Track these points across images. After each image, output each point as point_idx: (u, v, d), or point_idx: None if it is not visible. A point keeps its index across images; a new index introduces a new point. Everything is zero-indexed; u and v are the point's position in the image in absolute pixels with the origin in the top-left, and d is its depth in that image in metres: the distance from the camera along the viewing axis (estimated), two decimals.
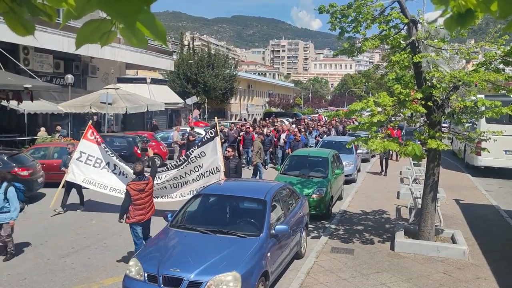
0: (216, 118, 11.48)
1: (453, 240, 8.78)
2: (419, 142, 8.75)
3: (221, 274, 5.46)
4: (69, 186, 11.36)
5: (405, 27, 8.55)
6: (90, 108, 21.12)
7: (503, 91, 8.53)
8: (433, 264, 7.85)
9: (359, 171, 17.82)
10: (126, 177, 10.63)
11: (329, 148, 14.76)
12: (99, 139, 11.21)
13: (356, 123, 11.77)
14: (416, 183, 13.85)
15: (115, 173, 11.09)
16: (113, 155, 11.09)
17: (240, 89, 51.80)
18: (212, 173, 10.45)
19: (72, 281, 7.07)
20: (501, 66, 8.13)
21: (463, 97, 9.16)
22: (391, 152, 15.48)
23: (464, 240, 8.62)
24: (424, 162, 9.23)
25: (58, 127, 19.92)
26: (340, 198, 13.18)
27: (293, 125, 25.31)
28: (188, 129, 21.02)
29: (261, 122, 29.63)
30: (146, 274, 5.70)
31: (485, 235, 9.68)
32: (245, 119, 42.08)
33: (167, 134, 22.07)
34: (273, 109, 55.76)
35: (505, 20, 1.47)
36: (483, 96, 10.54)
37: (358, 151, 17.69)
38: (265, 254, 6.17)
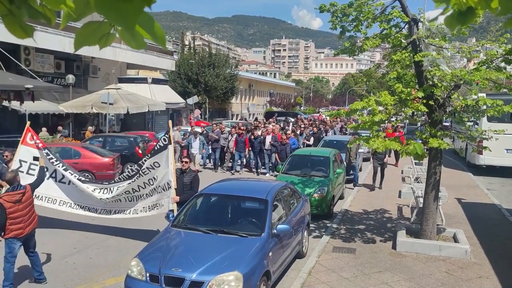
0: (169, 122, 9.11)
1: (455, 239, 8.77)
2: (420, 141, 8.73)
3: (223, 274, 5.46)
4: None
5: (406, 26, 8.54)
6: (92, 108, 21.13)
7: (504, 90, 8.53)
8: (435, 263, 7.84)
9: (360, 170, 17.79)
10: (77, 186, 9.34)
11: (330, 148, 14.76)
12: (40, 144, 9.46)
13: (354, 123, 11.71)
14: (418, 182, 13.82)
15: (63, 183, 9.42)
16: (57, 162, 9.38)
17: (241, 88, 51.79)
18: (164, 189, 8.70)
19: (74, 281, 7.08)
20: (503, 64, 8.13)
21: (464, 95, 9.14)
22: (386, 160, 14.98)
23: (466, 239, 8.61)
24: (425, 161, 9.21)
25: (60, 127, 19.96)
26: (341, 197, 13.18)
27: (280, 127, 23.11)
28: (189, 129, 21.02)
29: (255, 122, 29.40)
30: (148, 274, 5.71)
31: (487, 234, 9.66)
32: (245, 119, 42.02)
33: None
34: (274, 109, 55.78)
35: (506, 18, 1.46)
36: (484, 94, 10.53)
37: (360, 150, 17.65)
38: (267, 254, 6.17)
